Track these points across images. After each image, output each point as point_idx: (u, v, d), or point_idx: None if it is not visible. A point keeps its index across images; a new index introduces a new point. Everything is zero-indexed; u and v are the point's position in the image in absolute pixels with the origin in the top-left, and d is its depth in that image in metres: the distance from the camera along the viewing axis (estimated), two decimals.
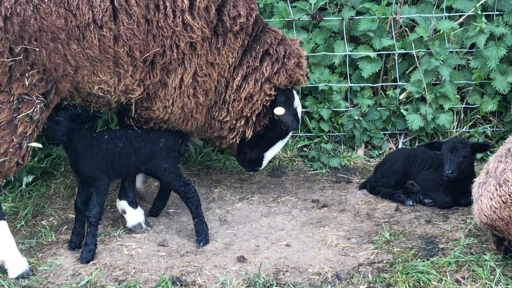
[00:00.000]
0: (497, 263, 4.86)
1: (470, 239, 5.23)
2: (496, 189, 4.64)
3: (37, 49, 4.56)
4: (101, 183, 5.12)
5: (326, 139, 7.07)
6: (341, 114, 7.08)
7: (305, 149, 7.06)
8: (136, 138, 5.26)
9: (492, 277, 4.72)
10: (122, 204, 5.54)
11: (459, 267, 4.89)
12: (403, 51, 6.93)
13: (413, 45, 6.77)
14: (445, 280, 4.69)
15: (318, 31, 7.06)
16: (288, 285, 4.70)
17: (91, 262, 5.00)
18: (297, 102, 5.82)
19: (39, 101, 4.67)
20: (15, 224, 5.60)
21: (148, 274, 4.90)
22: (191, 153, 6.86)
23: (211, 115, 5.64)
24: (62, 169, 6.44)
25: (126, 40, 4.81)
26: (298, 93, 6.06)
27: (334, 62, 6.98)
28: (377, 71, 6.96)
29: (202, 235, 5.34)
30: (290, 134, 6.06)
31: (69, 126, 4.97)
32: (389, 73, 7.07)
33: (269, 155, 5.98)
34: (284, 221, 5.75)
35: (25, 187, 6.09)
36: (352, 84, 7.02)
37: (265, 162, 6.01)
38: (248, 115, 5.64)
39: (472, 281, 4.72)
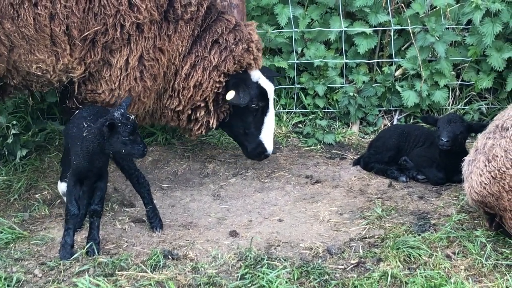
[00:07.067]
0: (488, 239, 4.87)
1: (462, 215, 5.24)
2: (486, 165, 4.63)
3: None
4: (106, 176, 4.93)
5: (321, 115, 7.07)
6: (336, 91, 7.07)
7: (300, 125, 7.06)
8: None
9: (482, 252, 4.73)
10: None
11: (450, 242, 4.90)
12: (399, 27, 6.91)
13: (409, 21, 6.73)
14: (436, 255, 4.70)
15: (314, 6, 7.04)
16: (279, 259, 4.70)
17: (83, 236, 5.01)
18: (256, 77, 5.75)
19: None
20: (9, 197, 5.62)
21: (140, 247, 4.91)
22: None
23: (163, 103, 5.63)
24: (56, 143, 6.45)
25: (62, 19, 4.78)
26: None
27: (329, 38, 6.96)
28: (373, 47, 6.95)
29: (157, 220, 5.19)
30: (271, 106, 5.86)
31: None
32: (384, 50, 7.05)
33: (265, 137, 5.82)
34: (277, 197, 5.76)
35: (19, 161, 6.10)
36: (347, 60, 7.00)
37: (268, 146, 5.83)
38: (201, 104, 5.62)
39: (462, 256, 4.73)
